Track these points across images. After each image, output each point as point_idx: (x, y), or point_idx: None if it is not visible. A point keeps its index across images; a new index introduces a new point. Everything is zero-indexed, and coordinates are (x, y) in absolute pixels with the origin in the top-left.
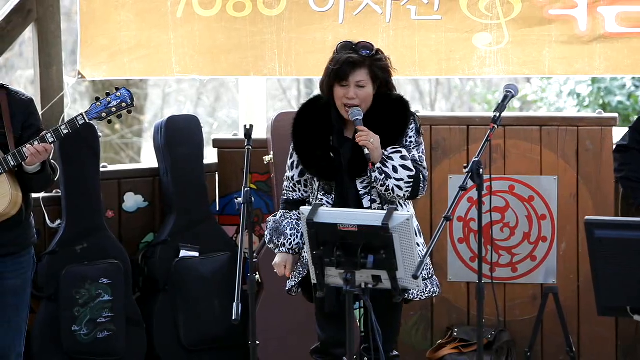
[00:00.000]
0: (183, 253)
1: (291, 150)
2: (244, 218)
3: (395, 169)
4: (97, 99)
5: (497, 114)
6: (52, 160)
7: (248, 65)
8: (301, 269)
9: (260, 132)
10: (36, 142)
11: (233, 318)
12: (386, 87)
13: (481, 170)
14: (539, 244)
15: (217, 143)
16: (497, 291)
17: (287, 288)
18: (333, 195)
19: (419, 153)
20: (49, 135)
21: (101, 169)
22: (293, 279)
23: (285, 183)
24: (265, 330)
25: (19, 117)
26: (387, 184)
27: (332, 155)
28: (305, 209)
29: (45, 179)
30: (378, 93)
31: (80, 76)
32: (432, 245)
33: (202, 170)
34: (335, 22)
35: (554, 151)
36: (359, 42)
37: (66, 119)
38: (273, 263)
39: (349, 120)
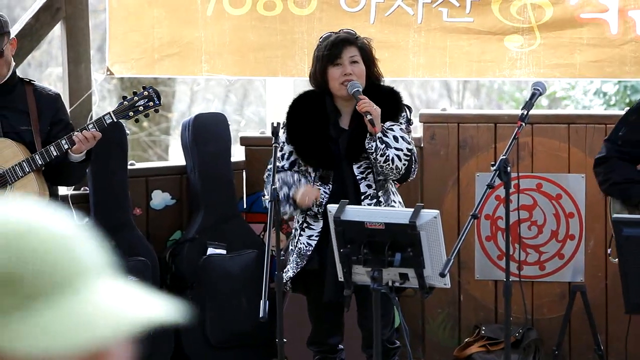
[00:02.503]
0: (210, 251)
1: (281, 144)
2: (271, 216)
3: (396, 139)
4: (124, 97)
5: (525, 112)
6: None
7: (276, 65)
8: (299, 260)
9: None
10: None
11: (260, 316)
12: (372, 74)
13: (509, 168)
14: (566, 242)
15: (244, 141)
16: (524, 289)
17: (284, 280)
18: (330, 185)
19: (409, 139)
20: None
21: (129, 167)
22: (290, 270)
23: (269, 167)
24: (292, 328)
25: (47, 113)
26: (387, 153)
27: (330, 145)
28: (332, 207)
29: (85, 169)
30: (368, 79)
31: (109, 73)
32: (460, 243)
33: (229, 168)
34: (366, 23)
35: (582, 149)
36: (340, 30)
37: (94, 117)
38: (301, 193)
39: (344, 110)
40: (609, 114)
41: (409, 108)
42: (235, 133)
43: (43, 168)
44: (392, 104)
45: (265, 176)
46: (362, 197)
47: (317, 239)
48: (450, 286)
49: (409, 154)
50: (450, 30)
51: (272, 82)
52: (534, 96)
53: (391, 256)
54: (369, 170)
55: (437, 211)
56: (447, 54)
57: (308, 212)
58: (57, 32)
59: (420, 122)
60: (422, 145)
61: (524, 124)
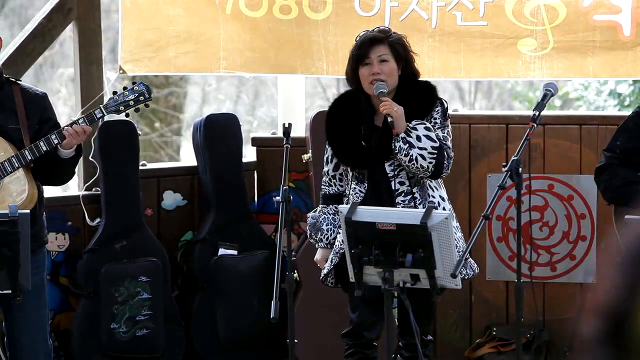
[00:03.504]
0: (222, 251)
1: (327, 145)
2: (283, 216)
3: (419, 138)
4: (115, 92)
5: (537, 113)
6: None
7: (296, 62)
8: (332, 257)
9: (299, 131)
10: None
11: (271, 316)
12: (410, 68)
13: (520, 169)
14: (578, 243)
15: (256, 141)
16: (536, 290)
17: (321, 277)
18: (366, 184)
19: (443, 133)
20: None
21: (140, 167)
22: (326, 267)
23: (324, 178)
24: (304, 328)
25: (35, 112)
26: (410, 154)
27: (363, 143)
28: (344, 208)
29: (75, 165)
30: (404, 76)
31: (121, 71)
32: (471, 244)
33: (241, 169)
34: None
35: (594, 150)
36: (375, 27)
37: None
38: (315, 259)
39: (378, 108)
40: (620, 115)
41: (446, 102)
42: (247, 134)
43: (32, 165)
44: (426, 98)
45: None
46: (396, 194)
47: None
48: (462, 287)
49: (435, 152)
50: (465, 34)
51: (283, 83)
52: (545, 97)
53: (402, 257)
54: (402, 168)
55: (449, 212)
56: (461, 57)
57: None
58: (69, 32)
59: None
60: None
61: (535, 125)
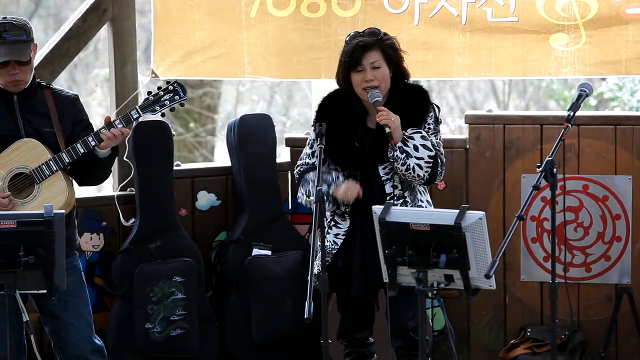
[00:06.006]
0: (255, 252)
1: (310, 141)
2: (316, 217)
3: (416, 148)
4: (149, 93)
5: (571, 113)
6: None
7: (320, 66)
8: (327, 258)
9: None
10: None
11: (305, 317)
12: (400, 71)
13: (555, 169)
14: (613, 244)
15: (289, 142)
16: (570, 291)
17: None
18: (358, 185)
19: (437, 139)
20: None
21: (175, 168)
22: (316, 267)
23: (300, 162)
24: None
25: (68, 115)
26: (408, 163)
27: (357, 145)
28: (377, 208)
29: (111, 165)
30: (396, 79)
31: (153, 75)
32: (505, 245)
33: (274, 169)
34: (411, 24)
35: (629, 150)
36: (366, 29)
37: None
38: (340, 196)
39: (371, 110)
40: None
41: (437, 107)
42: (281, 134)
43: (69, 167)
44: (419, 103)
45: (296, 174)
46: (388, 197)
47: (343, 237)
48: (496, 288)
49: (431, 161)
50: (495, 30)
51: (317, 84)
52: (580, 97)
53: (436, 257)
54: (395, 172)
55: (483, 212)
56: (492, 54)
57: (336, 211)
58: (104, 33)
59: (465, 123)
60: (467, 146)
61: (570, 125)
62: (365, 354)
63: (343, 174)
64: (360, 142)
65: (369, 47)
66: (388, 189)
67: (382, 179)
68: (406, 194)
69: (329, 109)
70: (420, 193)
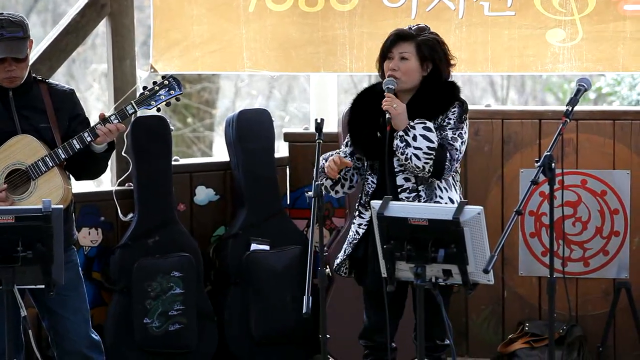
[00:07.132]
0: (254, 246)
1: (347, 134)
2: (315, 212)
3: (415, 138)
4: (145, 87)
5: (570, 108)
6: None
7: (319, 60)
8: (346, 246)
9: (332, 126)
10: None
11: (304, 312)
12: (438, 70)
13: (553, 164)
14: (611, 239)
15: (288, 137)
16: (568, 286)
17: (334, 267)
18: (377, 176)
19: (454, 134)
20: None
21: (173, 163)
22: (339, 257)
23: (336, 151)
24: (336, 323)
25: (64, 110)
26: (406, 152)
27: (379, 134)
28: (376, 203)
29: (108, 160)
30: (431, 77)
31: (152, 70)
32: (503, 240)
33: (273, 164)
34: (408, 18)
35: (627, 145)
36: (417, 24)
37: (139, 114)
38: (326, 169)
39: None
40: None
41: (465, 103)
42: (279, 129)
43: (65, 163)
44: (445, 97)
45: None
46: (399, 190)
47: (365, 227)
48: (494, 282)
49: (431, 152)
50: (492, 24)
51: (316, 78)
52: (578, 92)
53: (435, 252)
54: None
55: (481, 207)
56: (488, 48)
57: (360, 201)
58: (102, 28)
59: None
60: None
61: (568, 120)
62: (383, 359)
63: (362, 163)
64: (382, 132)
65: (403, 38)
66: (400, 180)
67: (395, 170)
68: (420, 187)
69: (362, 101)
70: (441, 189)
